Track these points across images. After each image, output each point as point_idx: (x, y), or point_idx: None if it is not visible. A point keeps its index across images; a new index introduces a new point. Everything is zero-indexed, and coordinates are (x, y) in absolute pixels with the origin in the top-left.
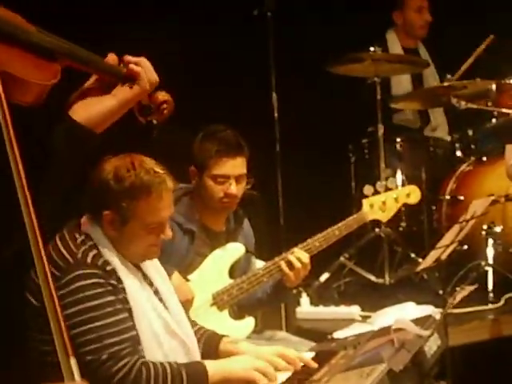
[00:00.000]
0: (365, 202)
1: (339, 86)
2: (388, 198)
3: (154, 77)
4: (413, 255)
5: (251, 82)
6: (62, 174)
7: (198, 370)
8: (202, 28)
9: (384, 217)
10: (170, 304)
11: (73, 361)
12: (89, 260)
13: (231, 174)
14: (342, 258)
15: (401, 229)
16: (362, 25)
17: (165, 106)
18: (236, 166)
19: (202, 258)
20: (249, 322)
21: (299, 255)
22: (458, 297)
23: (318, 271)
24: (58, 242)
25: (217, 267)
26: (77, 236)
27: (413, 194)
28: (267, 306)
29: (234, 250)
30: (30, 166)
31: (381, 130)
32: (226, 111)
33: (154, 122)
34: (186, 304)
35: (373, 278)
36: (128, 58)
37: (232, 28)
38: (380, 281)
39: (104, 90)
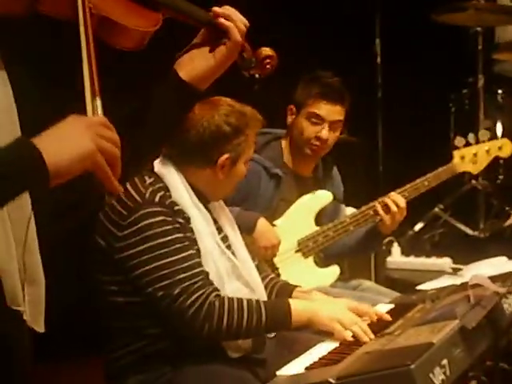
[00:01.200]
0: (456, 153)
1: (442, 34)
2: (479, 151)
3: (242, 25)
4: (508, 208)
5: (355, 27)
6: (163, 128)
7: (280, 307)
8: None
9: (475, 169)
10: (238, 252)
11: (98, 101)
12: (156, 199)
13: (326, 117)
14: (436, 209)
15: (498, 182)
16: None
17: (268, 60)
18: (333, 111)
19: (289, 204)
20: (334, 270)
21: (395, 198)
22: None
23: (412, 221)
24: (128, 185)
25: (303, 214)
26: (146, 178)
27: (505, 148)
28: (356, 254)
29: (322, 197)
30: (134, 120)
31: (481, 80)
32: (330, 55)
33: (257, 76)
34: (272, 249)
35: (467, 230)
36: (215, 10)
37: None
38: (474, 233)
39: (211, 45)
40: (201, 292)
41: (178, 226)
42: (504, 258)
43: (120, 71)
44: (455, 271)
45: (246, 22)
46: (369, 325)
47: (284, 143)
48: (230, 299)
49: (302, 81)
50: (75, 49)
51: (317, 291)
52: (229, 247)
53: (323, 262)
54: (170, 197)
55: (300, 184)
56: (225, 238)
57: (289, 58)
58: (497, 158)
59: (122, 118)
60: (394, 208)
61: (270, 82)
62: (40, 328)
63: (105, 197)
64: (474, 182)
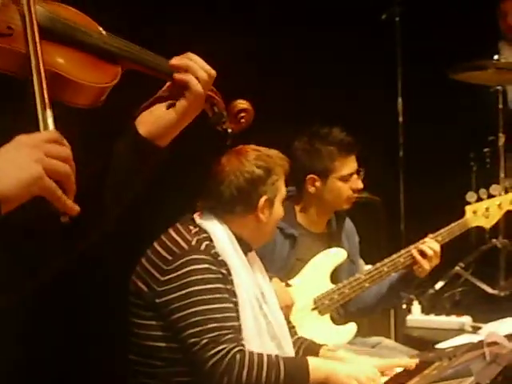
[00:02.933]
0: (468, 208)
1: (463, 93)
2: (491, 205)
3: (205, 75)
4: None
5: (377, 86)
6: (123, 185)
7: (298, 364)
8: (330, 31)
9: (487, 223)
10: (271, 307)
11: (49, 112)
12: (203, 247)
13: (355, 169)
14: (457, 268)
15: None
16: (474, 34)
17: (242, 114)
18: (355, 160)
19: (304, 263)
20: (351, 328)
21: (431, 244)
22: None
23: (432, 280)
24: (171, 231)
25: (318, 272)
26: (191, 227)
27: None
28: (386, 304)
29: (336, 255)
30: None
31: (502, 139)
32: (352, 115)
33: (229, 130)
34: (286, 310)
35: (488, 289)
36: (173, 63)
37: (360, 32)
38: (495, 292)
39: (174, 98)
40: (226, 345)
41: (220, 276)
42: None
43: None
44: (475, 330)
45: (212, 71)
46: (387, 381)
47: (297, 208)
48: (251, 354)
49: (305, 147)
50: None
51: (342, 349)
52: (265, 302)
53: (347, 317)
54: (215, 247)
55: (315, 241)
56: (262, 293)
57: (311, 119)
58: None
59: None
60: (428, 251)
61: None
62: None
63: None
64: (494, 240)
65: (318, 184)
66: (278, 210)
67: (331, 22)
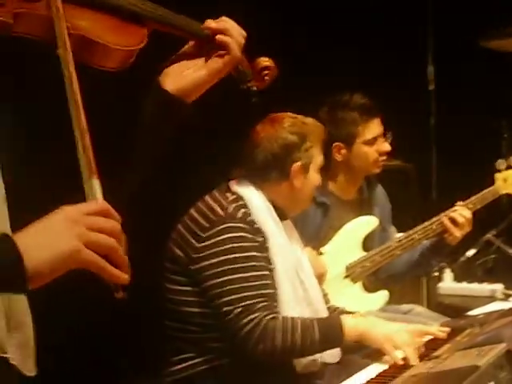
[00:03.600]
0: (498, 176)
1: (494, 61)
2: None
3: (242, 38)
4: None
5: (409, 52)
6: (153, 144)
7: (332, 323)
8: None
9: None
10: (307, 274)
11: (95, 181)
12: (239, 215)
13: (380, 132)
14: (489, 235)
15: None
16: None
17: (266, 72)
18: (379, 123)
19: (336, 231)
20: (383, 295)
21: (462, 212)
22: None
23: (464, 247)
24: (208, 198)
25: (350, 240)
26: (228, 195)
27: None
28: (418, 271)
29: (368, 223)
30: (121, 135)
31: None
32: (383, 81)
33: (254, 88)
34: (319, 278)
35: None
36: (211, 25)
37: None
38: None
39: (204, 55)
40: (259, 313)
41: (256, 244)
42: None
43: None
44: (507, 297)
45: (244, 33)
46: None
47: (327, 176)
48: (285, 319)
49: (328, 116)
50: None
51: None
52: (302, 270)
53: (378, 284)
54: (251, 215)
55: (347, 209)
56: (298, 260)
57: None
58: None
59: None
60: (461, 220)
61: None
62: (30, 371)
63: None
64: None
65: (343, 151)
66: (314, 177)
67: None
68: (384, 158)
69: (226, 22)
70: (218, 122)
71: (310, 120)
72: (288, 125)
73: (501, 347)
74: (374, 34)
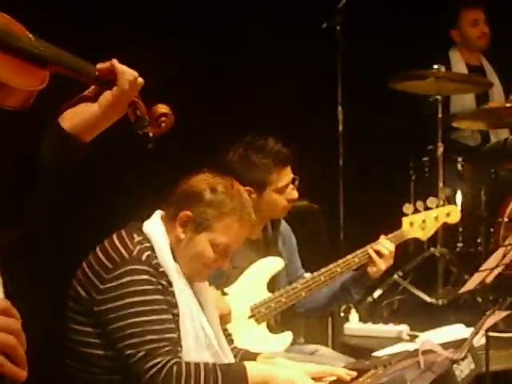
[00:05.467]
0: (405, 220)
1: (403, 102)
2: (428, 217)
3: (131, 76)
4: (467, 277)
5: (316, 95)
6: (50, 184)
7: (235, 370)
8: (269, 39)
9: (423, 235)
10: (209, 316)
11: None
12: (143, 258)
13: (291, 180)
14: (395, 276)
15: (457, 249)
16: (426, 43)
17: (163, 119)
18: (290, 170)
19: (241, 271)
20: (287, 336)
21: (386, 244)
22: (489, 321)
23: (370, 288)
24: (115, 238)
25: (255, 280)
26: (135, 236)
27: (453, 214)
28: (336, 303)
29: (273, 264)
30: (19, 174)
31: (440, 148)
32: (291, 124)
33: (151, 134)
34: (223, 319)
35: (426, 298)
36: (99, 65)
37: (300, 40)
38: (433, 301)
39: (98, 96)
40: (163, 357)
41: (160, 287)
42: (461, 326)
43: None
44: (412, 338)
45: (137, 76)
46: None
47: None
48: (188, 364)
49: (239, 159)
50: None
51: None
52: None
53: (280, 326)
54: (156, 258)
55: (251, 248)
56: (202, 305)
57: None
58: (456, 227)
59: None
60: (384, 251)
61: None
62: None
63: None
64: (432, 249)
65: (253, 196)
66: (200, 246)
67: (271, 31)
68: (291, 204)
69: (114, 61)
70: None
71: (246, 204)
72: (222, 187)
73: None
74: (284, 74)
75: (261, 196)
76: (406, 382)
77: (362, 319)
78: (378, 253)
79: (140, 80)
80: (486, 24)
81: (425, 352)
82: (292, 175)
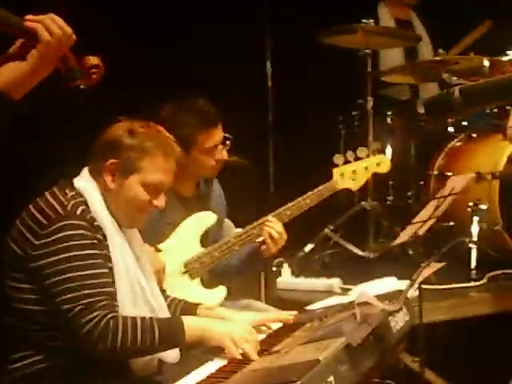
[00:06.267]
0: (335, 171)
1: (332, 56)
2: (358, 168)
3: (58, 31)
4: (398, 229)
5: (245, 50)
6: None
7: (172, 324)
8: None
9: (354, 186)
10: (146, 274)
11: None
12: (78, 212)
13: (219, 141)
14: (326, 230)
15: (388, 203)
16: None
17: (94, 70)
18: (220, 131)
19: (174, 227)
20: (220, 291)
21: (274, 224)
22: (425, 272)
23: (302, 242)
24: (47, 195)
25: (188, 236)
26: (67, 191)
27: (383, 164)
28: (242, 275)
29: (205, 218)
30: None
31: (370, 102)
32: (220, 79)
33: (82, 86)
34: (157, 274)
35: (357, 251)
36: (27, 16)
37: None
38: (364, 254)
39: (26, 52)
40: (100, 311)
41: (95, 241)
42: (393, 278)
43: None
44: (344, 291)
45: (67, 29)
46: (259, 342)
47: None
48: (125, 319)
49: (170, 115)
50: None
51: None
52: (139, 268)
53: (209, 282)
54: (90, 212)
55: (184, 205)
56: (137, 259)
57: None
58: (386, 179)
59: None
60: (274, 234)
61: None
62: None
63: None
64: (363, 203)
65: (182, 156)
66: (131, 189)
67: None
68: (219, 165)
69: (45, 16)
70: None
71: (169, 137)
72: (140, 127)
73: (340, 341)
74: (214, 34)
75: (188, 155)
76: (343, 333)
77: (294, 273)
78: (270, 235)
79: (68, 32)
80: None
81: (360, 304)
82: (222, 135)
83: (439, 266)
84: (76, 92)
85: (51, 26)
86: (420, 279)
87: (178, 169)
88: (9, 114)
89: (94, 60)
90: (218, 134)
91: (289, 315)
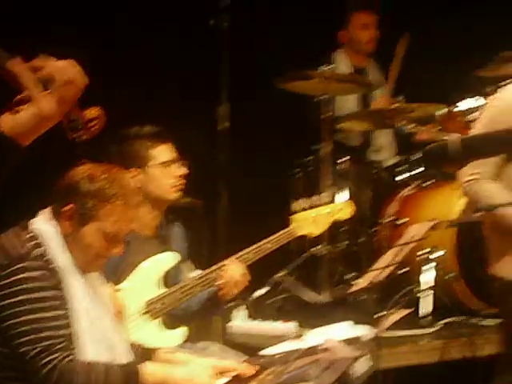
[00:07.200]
0: (294, 217)
1: (288, 102)
2: (319, 213)
3: (70, 76)
4: (351, 275)
5: (203, 91)
6: None
7: (129, 370)
8: (156, 37)
9: (316, 231)
10: (106, 313)
11: None
12: (35, 254)
13: (172, 157)
14: (280, 274)
15: (341, 248)
16: (313, 44)
17: (94, 122)
18: (171, 149)
19: (134, 267)
20: (181, 332)
21: (234, 266)
22: (391, 319)
23: (257, 285)
24: (3, 237)
25: (150, 276)
26: (24, 233)
27: (344, 210)
28: (201, 317)
29: (167, 259)
30: None
31: (325, 148)
32: (176, 121)
33: (83, 137)
34: (118, 315)
35: (310, 296)
36: (35, 63)
37: (187, 38)
38: (317, 299)
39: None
40: (58, 354)
41: (52, 283)
42: (349, 323)
43: None
44: (298, 336)
45: (80, 77)
46: None
47: None
48: (83, 362)
49: (118, 148)
50: None
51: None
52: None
53: (170, 324)
54: (47, 254)
55: (146, 245)
56: (97, 300)
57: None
58: (340, 225)
59: None
60: (236, 276)
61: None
62: None
63: None
64: (317, 247)
65: (139, 177)
66: (89, 236)
67: (157, 28)
68: (181, 182)
69: (52, 63)
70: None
71: (130, 185)
72: (101, 173)
73: None
74: (169, 72)
75: (146, 174)
76: (310, 379)
77: (250, 317)
78: (227, 274)
79: (84, 78)
80: (377, 28)
81: (325, 350)
82: (175, 154)
83: (406, 312)
84: (74, 143)
85: (65, 75)
86: (388, 325)
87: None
88: (16, 161)
89: (95, 112)
90: (171, 150)
91: (248, 368)
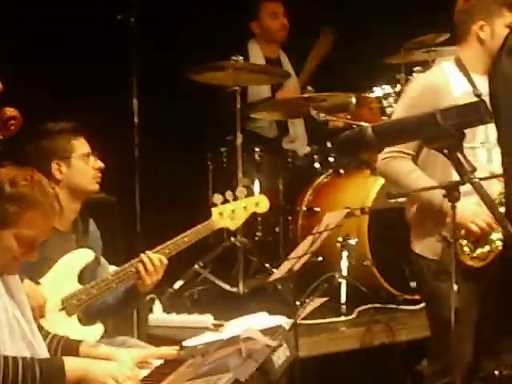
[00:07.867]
0: (214, 210)
1: (201, 93)
2: (237, 207)
3: None
4: (267, 265)
5: (112, 86)
6: None
7: (54, 365)
8: (65, 28)
9: (233, 225)
10: (24, 310)
11: None
12: None
13: (90, 151)
14: (196, 266)
15: (257, 239)
16: (224, 35)
17: (12, 122)
18: (87, 143)
19: (53, 262)
20: (97, 328)
21: (153, 257)
22: (308, 308)
23: (172, 279)
24: None
25: (66, 272)
26: None
27: (261, 204)
28: (118, 313)
29: (84, 255)
30: None
31: (239, 139)
32: (86, 116)
33: (1, 137)
34: (39, 309)
35: (227, 287)
36: None
37: (95, 30)
38: (234, 290)
39: None
40: None
41: None
42: (265, 314)
43: None
44: (216, 327)
45: None
46: (143, 380)
47: None
48: (6, 358)
49: (37, 144)
50: None
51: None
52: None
53: (86, 320)
54: None
55: (62, 240)
56: (15, 302)
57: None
58: (255, 216)
59: None
60: (150, 267)
61: None
62: None
63: None
64: (233, 239)
65: (63, 169)
66: (5, 241)
67: (66, 22)
68: (100, 175)
69: None
70: None
71: (50, 194)
72: (22, 179)
73: (228, 377)
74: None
75: (70, 166)
76: (230, 369)
77: (166, 310)
78: (143, 266)
79: None
80: (286, 16)
81: (244, 340)
82: (88, 147)
83: (322, 301)
84: None
85: None
86: (304, 314)
87: (64, 189)
88: None
89: (11, 112)
90: (86, 143)
91: (171, 350)
